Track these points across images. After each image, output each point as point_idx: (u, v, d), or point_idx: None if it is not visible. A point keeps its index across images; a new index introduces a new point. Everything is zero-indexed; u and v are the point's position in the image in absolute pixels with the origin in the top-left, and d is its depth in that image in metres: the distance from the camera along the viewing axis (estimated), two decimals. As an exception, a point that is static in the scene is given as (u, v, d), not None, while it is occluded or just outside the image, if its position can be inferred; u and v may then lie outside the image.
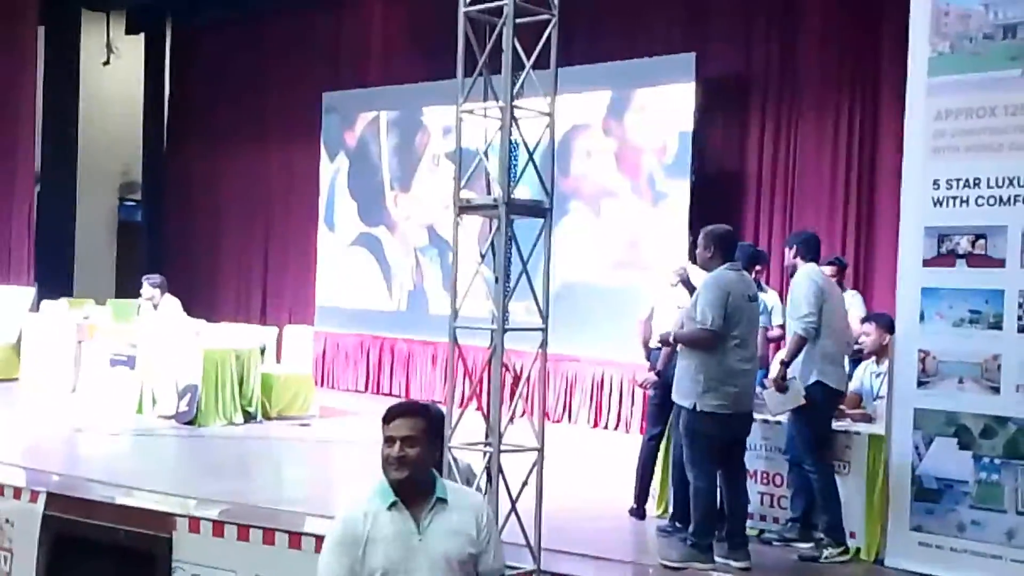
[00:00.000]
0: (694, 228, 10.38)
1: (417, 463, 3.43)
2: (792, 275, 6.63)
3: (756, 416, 6.69)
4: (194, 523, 6.60)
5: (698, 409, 6.09)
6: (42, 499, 7.10)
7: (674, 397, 6.29)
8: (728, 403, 6.08)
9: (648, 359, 7.27)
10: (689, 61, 10.80)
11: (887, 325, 6.87)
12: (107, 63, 16.49)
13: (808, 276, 6.43)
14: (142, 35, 16.79)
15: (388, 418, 3.51)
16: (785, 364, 6.39)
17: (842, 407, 6.86)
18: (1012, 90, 5.81)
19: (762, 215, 10.84)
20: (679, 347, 6.35)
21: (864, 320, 7.62)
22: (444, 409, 5.20)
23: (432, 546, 3.44)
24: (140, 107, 16.84)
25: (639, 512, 7.19)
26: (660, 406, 7.09)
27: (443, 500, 3.50)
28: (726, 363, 6.08)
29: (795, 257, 6.59)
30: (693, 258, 6.76)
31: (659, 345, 6.93)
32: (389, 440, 3.47)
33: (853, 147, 10.27)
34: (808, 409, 6.34)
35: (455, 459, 5.06)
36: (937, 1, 6.06)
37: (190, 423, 10.34)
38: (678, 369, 6.30)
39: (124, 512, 6.98)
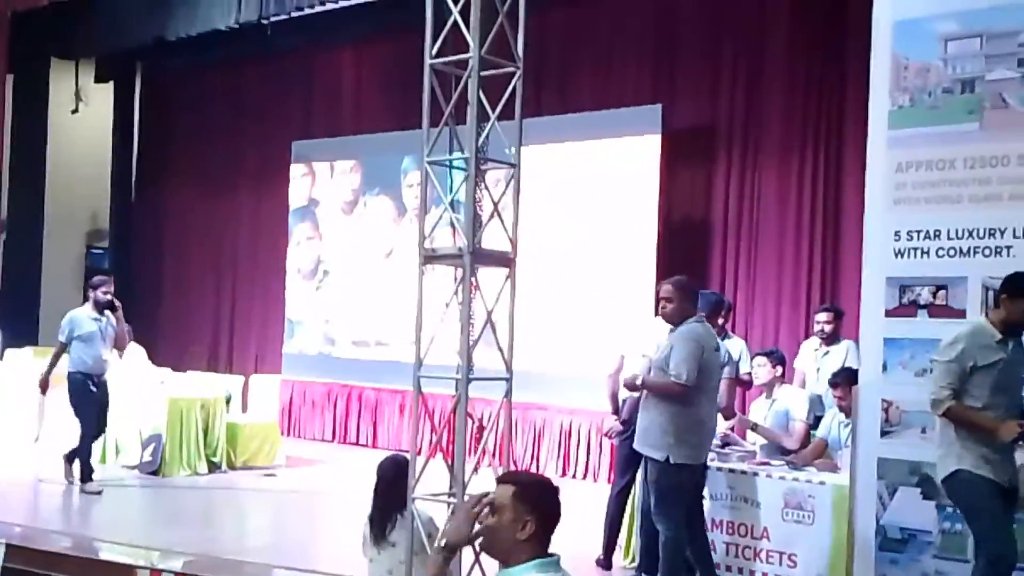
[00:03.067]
0: (661, 277, 10.47)
1: (487, 531, 3.19)
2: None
3: (720, 465, 6.77)
4: (155, 575, 6.54)
5: (671, 462, 6.11)
6: (1, 551, 7.01)
7: (640, 448, 6.30)
8: (697, 454, 6.15)
9: (615, 412, 7.28)
10: (656, 112, 10.91)
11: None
12: (76, 111, 16.46)
13: None
14: (111, 83, 16.79)
15: None
16: None
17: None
18: (970, 143, 5.90)
19: (728, 264, 10.90)
20: (644, 396, 6.37)
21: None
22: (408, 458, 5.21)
23: None
24: (109, 155, 16.80)
25: (606, 562, 7.17)
26: (628, 456, 7.09)
27: None
28: (696, 415, 6.14)
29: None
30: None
31: (626, 397, 6.95)
32: None
33: (817, 198, 10.36)
34: None
35: (417, 511, 5.03)
36: (897, 55, 6.16)
37: (154, 473, 10.24)
38: (643, 420, 6.30)
39: (86, 564, 6.91)
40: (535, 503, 3.19)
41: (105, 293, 9.49)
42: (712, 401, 6.28)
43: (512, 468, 5.69)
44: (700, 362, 6.09)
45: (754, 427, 7.43)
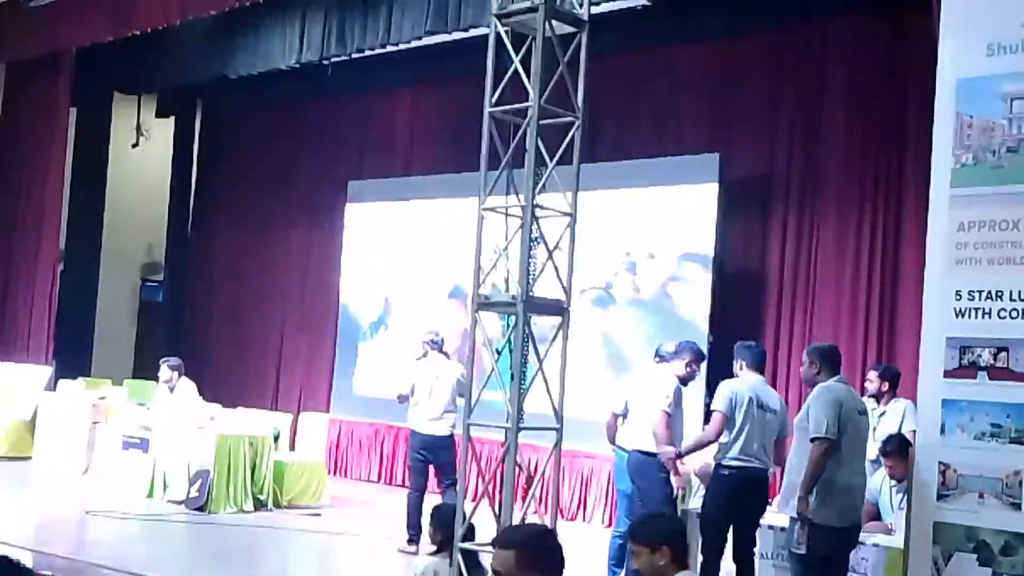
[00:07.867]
0: (715, 327, 10.41)
1: None
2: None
3: (772, 523, 6.63)
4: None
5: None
6: (46, 584, 7.03)
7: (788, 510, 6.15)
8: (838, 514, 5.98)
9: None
10: (713, 161, 10.86)
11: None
12: (136, 145, 16.67)
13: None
14: (172, 118, 17.00)
15: None
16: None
17: None
18: (1035, 204, 5.79)
19: (783, 317, 10.77)
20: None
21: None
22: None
23: None
24: (167, 189, 16.97)
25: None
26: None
27: None
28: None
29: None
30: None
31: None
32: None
33: (876, 252, 10.23)
34: None
35: (463, 560, 4.98)
36: (961, 113, 6.08)
37: (200, 509, 10.25)
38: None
39: (129, 600, 6.92)
40: (546, 558, 3.05)
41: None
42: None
43: (559, 518, 5.63)
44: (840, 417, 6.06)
45: None
